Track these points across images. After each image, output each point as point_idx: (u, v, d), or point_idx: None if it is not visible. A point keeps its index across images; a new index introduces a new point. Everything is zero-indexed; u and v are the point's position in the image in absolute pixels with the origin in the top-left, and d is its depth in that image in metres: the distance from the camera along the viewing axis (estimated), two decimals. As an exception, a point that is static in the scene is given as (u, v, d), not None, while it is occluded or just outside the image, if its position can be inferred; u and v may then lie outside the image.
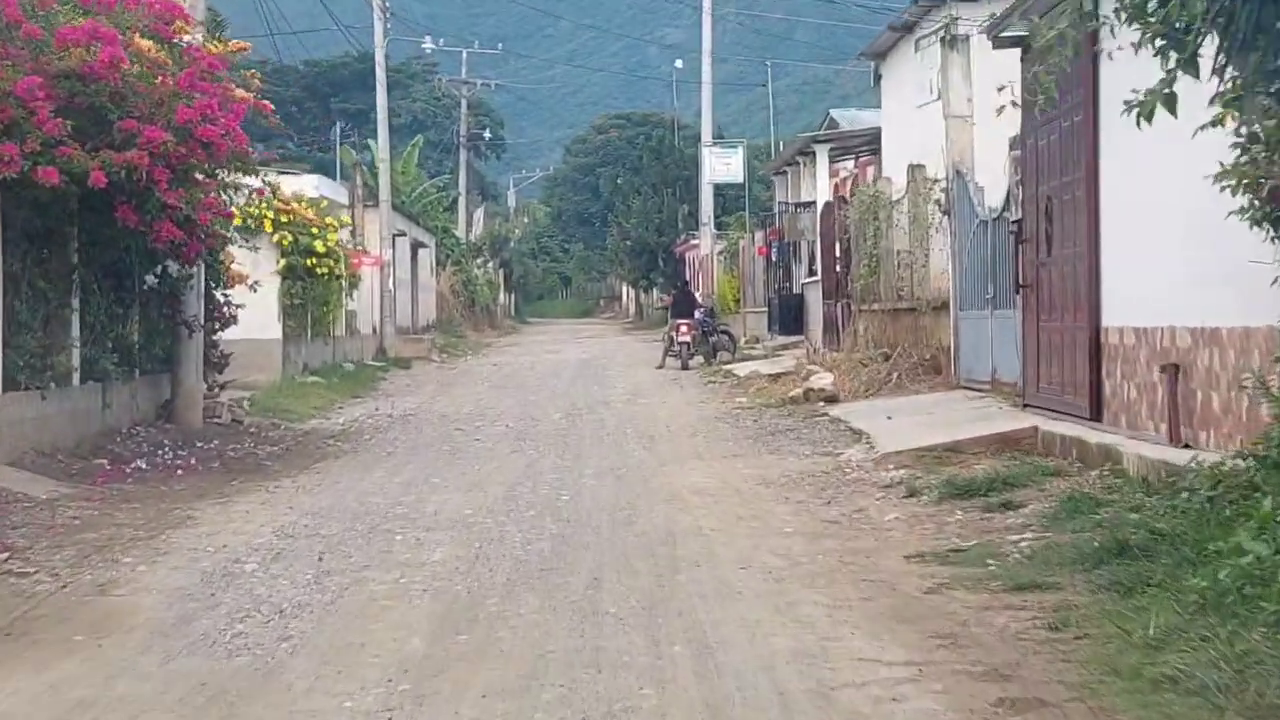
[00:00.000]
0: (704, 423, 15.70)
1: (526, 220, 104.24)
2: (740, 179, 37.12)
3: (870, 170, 30.14)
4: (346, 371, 25.20)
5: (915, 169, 17.99)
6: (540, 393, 21.54)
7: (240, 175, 13.42)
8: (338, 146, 54.34)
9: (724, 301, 36.81)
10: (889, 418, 13.61)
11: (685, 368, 26.31)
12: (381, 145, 33.93)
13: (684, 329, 26.61)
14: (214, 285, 16.34)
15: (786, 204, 27.29)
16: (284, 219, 21.81)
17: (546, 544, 8.25)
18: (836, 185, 27.38)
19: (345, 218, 23.79)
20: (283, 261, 21.93)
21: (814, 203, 25.24)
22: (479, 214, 69.90)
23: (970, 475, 9.80)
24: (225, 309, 16.68)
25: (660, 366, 26.91)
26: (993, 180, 15.56)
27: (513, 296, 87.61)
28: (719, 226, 47.12)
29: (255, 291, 17.48)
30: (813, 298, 25.89)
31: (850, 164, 30.27)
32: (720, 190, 51.17)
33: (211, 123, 11.67)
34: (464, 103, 53.18)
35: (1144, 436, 9.95)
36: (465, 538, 8.56)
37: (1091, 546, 7.15)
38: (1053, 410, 11.90)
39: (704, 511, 9.33)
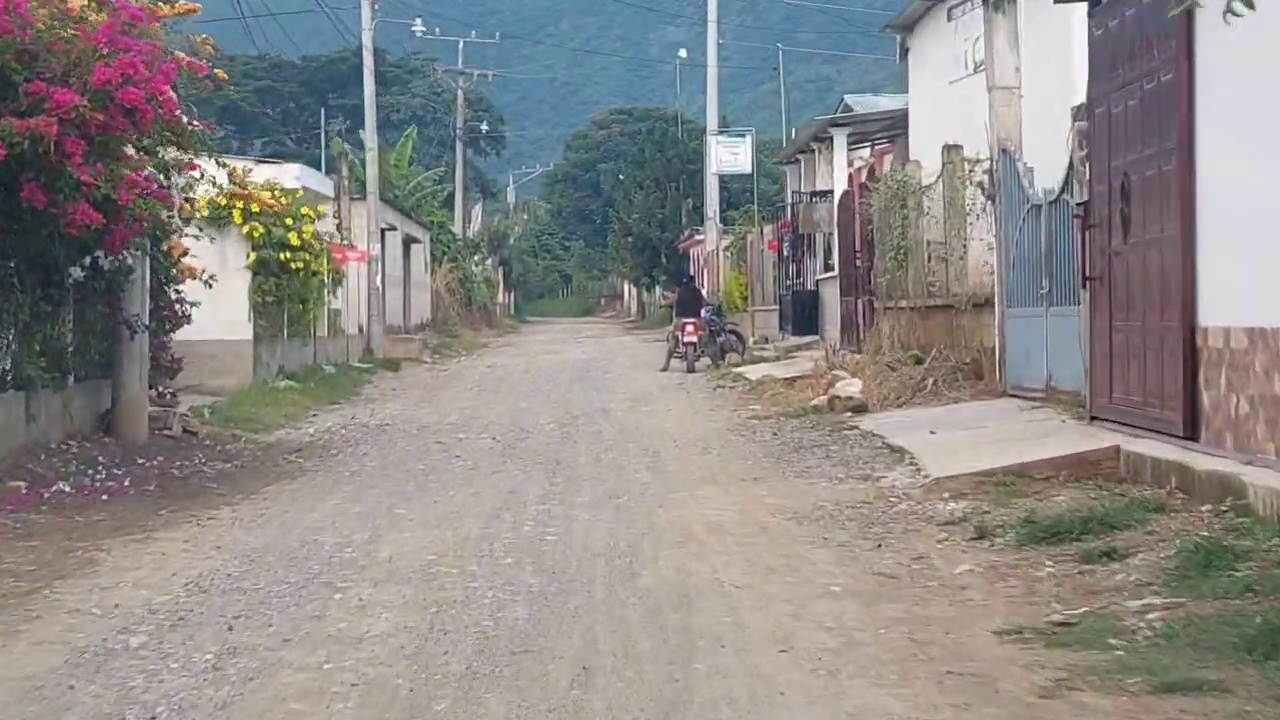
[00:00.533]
0: (716, 436, 13.84)
1: (526, 217, 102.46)
2: (748, 169, 35.25)
3: (887, 159, 28.29)
4: (326, 375, 23.35)
5: (951, 149, 16.14)
6: (534, 399, 19.70)
7: (180, 151, 11.59)
8: (323, 135, 52.56)
9: (731, 299, 34.96)
10: (932, 432, 11.76)
11: (691, 370, 24.47)
12: (369, 133, 32.09)
13: (690, 329, 24.76)
14: (164, 280, 14.50)
15: (800, 194, 25.42)
16: (255, 209, 19.97)
17: (523, 609, 6.39)
18: (851, 176, 25.53)
19: (323, 208, 21.97)
20: (253, 255, 20.09)
21: (831, 192, 23.40)
22: (477, 210, 68.10)
23: (1053, 511, 7.94)
24: (177, 307, 14.83)
25: (664, 369, 25.07)
26: (1041, 161, 13.71)
27: (512, 295, 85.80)
28: (724, 221, 45.35)
29: (210, 287, 15.62)
30: (829, 294, 24.05)
31: (865, 153, 28.44)
32: (726, 184, 49.42)
33: (135, 85, 9.82)
34: (460, 94, 51.38)
35: (1262, 461, 8.09)
36: (421, 597, 6.70)
37: (1253, 624, 5.31)
38: (1131, 425, 10.04)
39: (724, 558, 7.47)
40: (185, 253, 14.48)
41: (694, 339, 24.72)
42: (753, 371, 21.79)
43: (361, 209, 30.80)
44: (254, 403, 18.30)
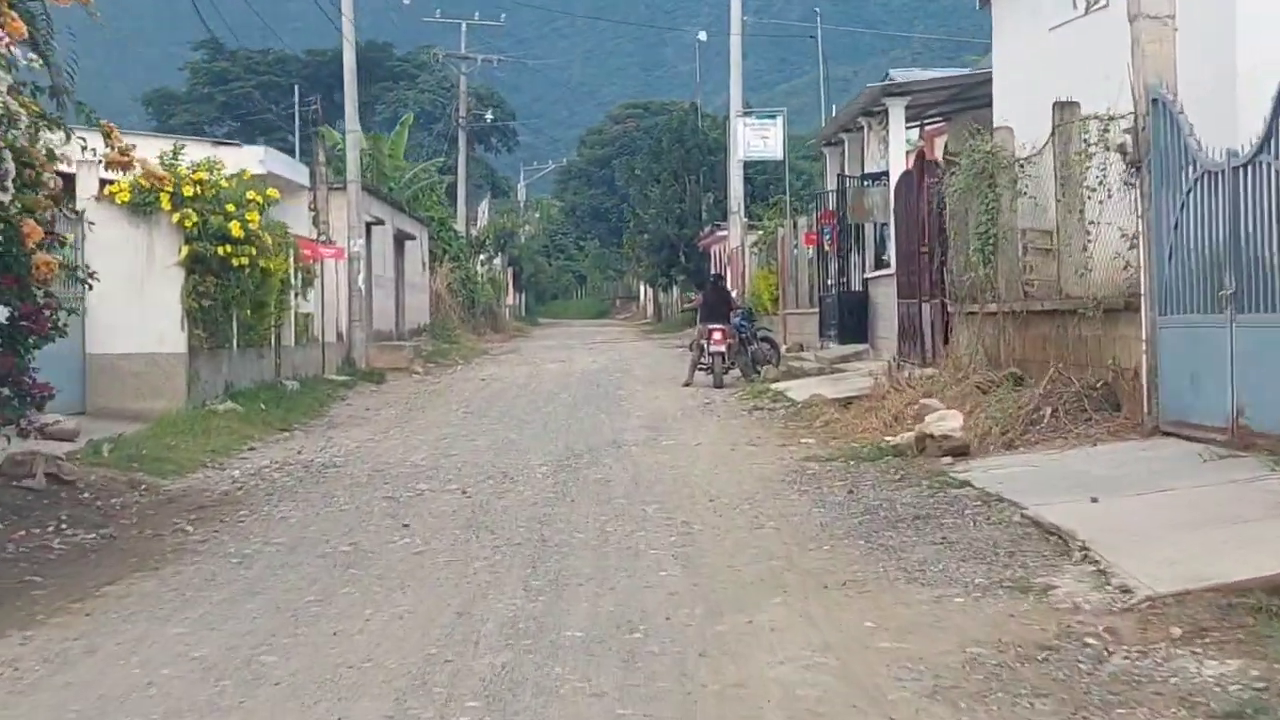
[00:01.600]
0: (766, 491, 10.10)
1: (538, 215, 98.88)
2: (779, 155, 31.51)
3: (939, 141, 24.54)
4: (286, 392, 19.69)
5: (1065, 107, 12.42)
6: (529, 425, 16.01)
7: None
8: (298, 120, 48.98)
9: (759, 301, 31.26)
10: (1094, 499, 8.04)
11: (719, 385, 20.78)
12: (349, 114, 28.42)
13: (717, 337, 21.06)
14: (21, 278, 10.83)
15: (848, 177, 21.68)
16: (188, 193, 16.33)
17: None
18: (920, 153, 21.74)
19: (273, 190, 18.34)
20: (185, 249, 16.45)
21: (885, 174, 19.67)
22: (483, 206, 64.53)
23: None
24: (46, 315, 11.15)
25: (687, 383, 21.39)
26: (1196, 118, 10.01)
27: (522, 296, 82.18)
28: (748, 216, 41.79)
29: (90, 287, 11.99)
30: (882, 295, 20.35)
31: (914, 135, 24.69)
32: (750, 176, 45.78)
33: None
34: (462, 80, 47.74)
35: None
36: None
37: None
38: None
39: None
40: (47, 240, 10.77)
41: (722, 349, 21.03)
42: (795, 389, 18.06)
43: (342, 200, 27.16)
44: (179, 433, 14.67)
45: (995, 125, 14.80)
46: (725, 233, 42.01)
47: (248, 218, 16.82)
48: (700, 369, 21.64)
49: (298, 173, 25.71)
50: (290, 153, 35.41)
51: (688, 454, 12.70)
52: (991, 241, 14.12)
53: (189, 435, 14.65)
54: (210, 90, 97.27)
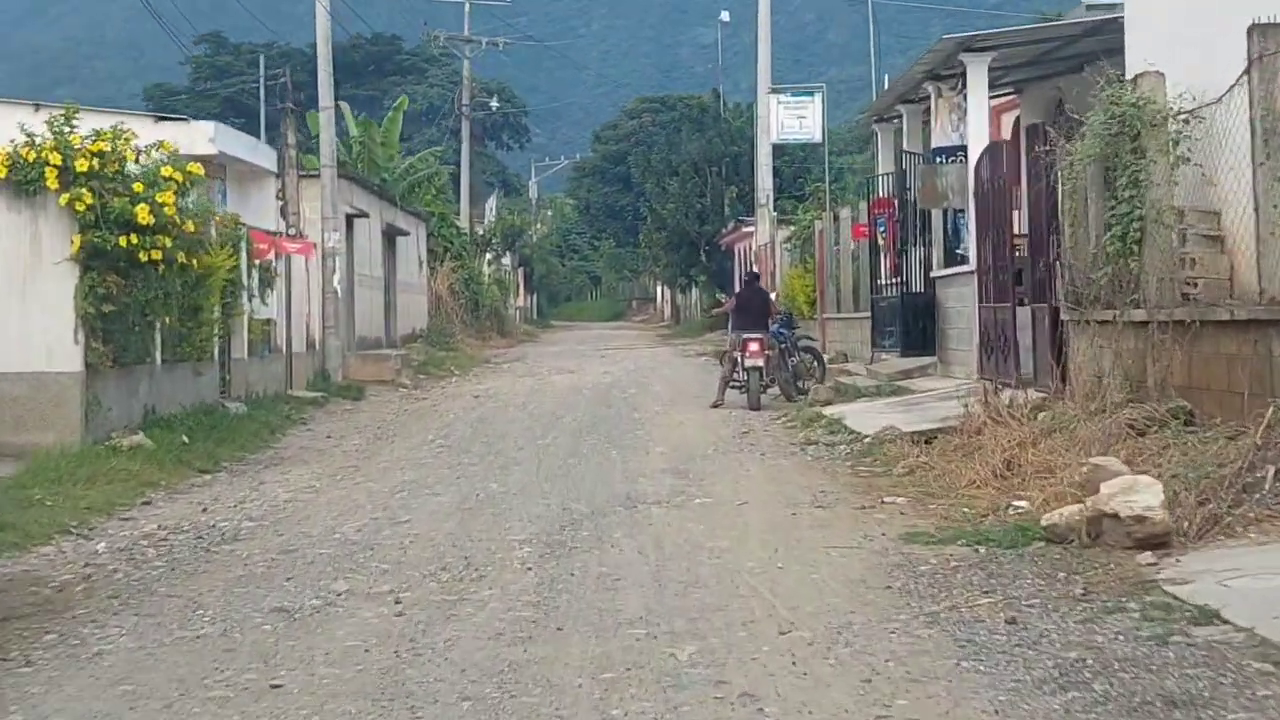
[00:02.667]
0: (864, 609, 6.37)
1: (551, 213, 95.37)
2: (817, 137, 27.84)
3: (1007, 119, 20.83)
4: (229, 418, 16.10)
5: (1269, 31, 8.74)
6: (517, 467, 12.37)
7: None
8: (261, 101, 45.48)
9: (793, 304, 27.61)
10: None
11: (756, 407, 17.14)
12: (322, 84, 24.86)
13: (754, 348, 17.40)
14: None
15: (910, 153, 17.98)
16: (81, 167, 12.75)
17: None
18: (1020, 125, 18.09)
19: (196, 166, 14.77)
20: (79, 239, 12.87)
21: (962, 150, 15.99)
22: (491, 202, 60.97)
23: None
24: None
25: (717, 404, 17.75)
26: None
27: (534, 298, 78.63)
28: (776, 210, 38.20)
29: None
30: (954, 297, 16.67)
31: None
32: (776, 166, 42.25)
33: None
34: (466, 64, 44.09)
35: None
36: None
37: None
38: None
39: None
40: None
41: (760, 362, 17.37)
42: (853, 415, 14.38)
43: (315, 189, 23.57)
44: (55, 480, 11.14)
45: (1133, 74, 11.09)
46: (751, 228, 38.36)
47: (159, 199, 13.21)
48: (733, 386, 18.00)
49: (261, 155, 22.09)
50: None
51: (731, 522, 9.03)
52: (1136, 226, 10.43)
53: (67, 484, 11.10)
54: (212, 85, 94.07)
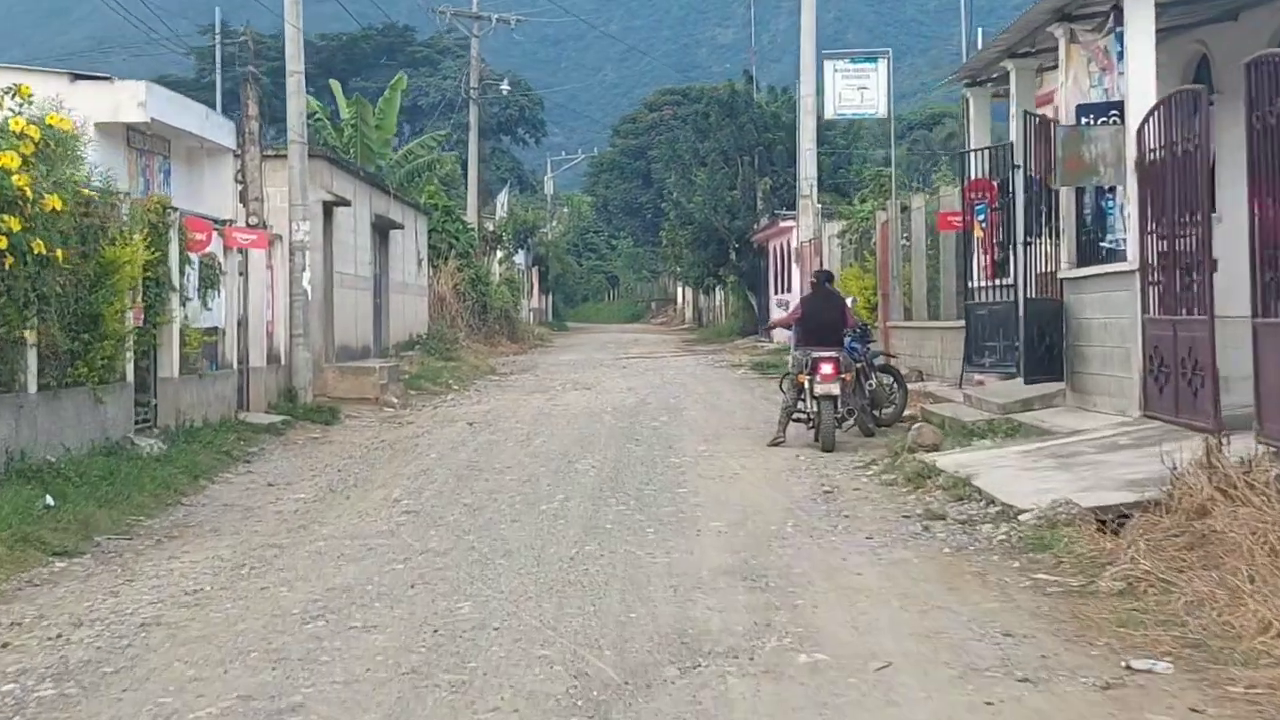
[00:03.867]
0: None
1: (567, 210, 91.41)
2: (882, 110, 23.75)
3: (1061, 108, 16.66)
4: (128, 461, 12.12)
5: None
6: (505, 562, 8.30)
7: None
8: (218, 47, 41.79)
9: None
10: None
11: (830, 448, 13.13)
12: (290, 48, 20.83)
13: (827, 370, 13.34)
14: None
15: (1032, 118, 13.87)
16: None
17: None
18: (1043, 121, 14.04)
19: (62, 120, 10.82)
20: (-124, 220, 8.90)
21: (1114, 108, 11.91)
22: (502, 197, 57.07)
23: None
24: None
25: (778, 441, 13.72)
26: None
27: (549, 299, 74.65)
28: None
29: None
30: (1094, 305, 12.60)
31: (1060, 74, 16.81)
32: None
33: None
34: (474, 43, 40.09)
35: None
36: None
37: None
38: None
39: None
40: None
41: (835, 390, 13.31)
42: (982, 469, 10.29)
43: (282, 171, 19.59)
44: None
45: None
46: (790, 223, 34.35)
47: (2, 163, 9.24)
48: (797, 417, 13.97)
49: (214, 128, 18.16)
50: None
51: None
52: None
53: None
54: (217, 77, 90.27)
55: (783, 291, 36.48)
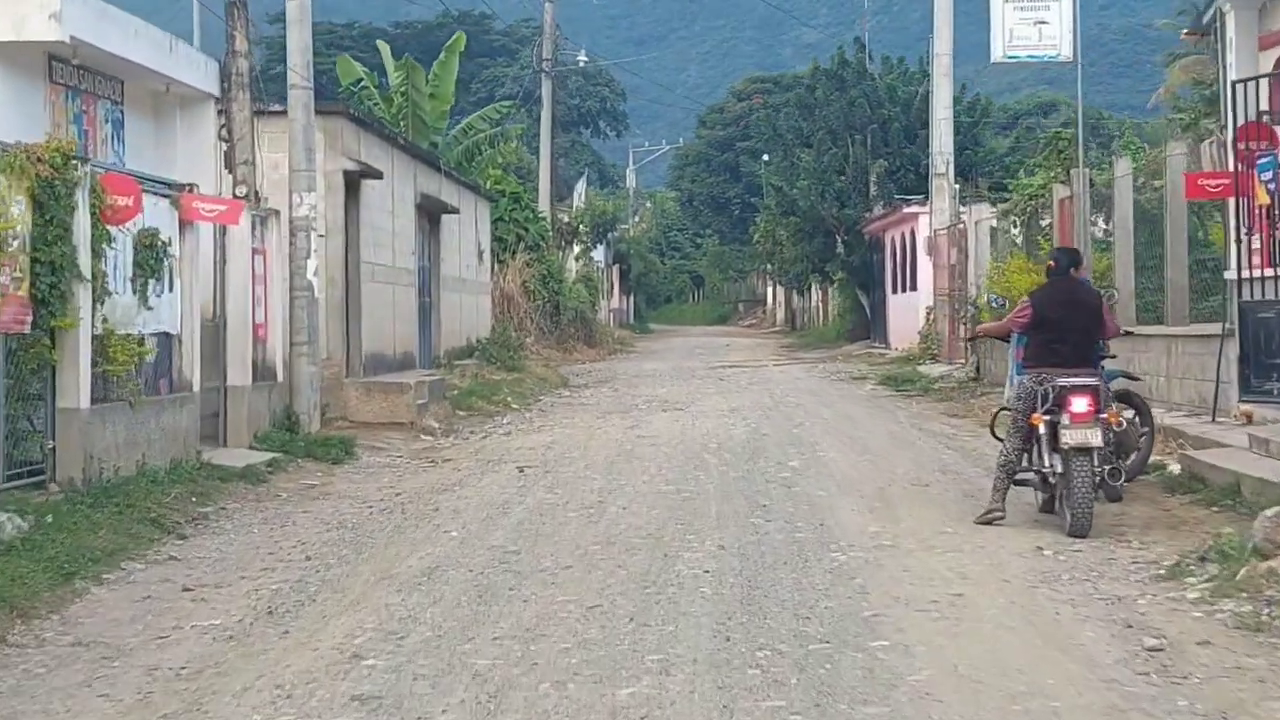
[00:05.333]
0: None
1: (650, 205, 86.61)
2: (1066, 52, 18.45)
3: (1268, 56, 11.44)
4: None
5: None
6: None
7: None
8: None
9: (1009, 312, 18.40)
10: None
11: (1082, 532, 8.12)
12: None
13: (1082, 404, 8.30)
14: None
15: None
16: None
17: None
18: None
19: None
20: None
21: None
22: (580, 187, 52.38)
23: None
24: None
25: (993, 516, 8.67)
26: None
27: (631, 299, 69.88)
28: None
29: None
30: None
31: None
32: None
33: None
34: (548, 9, 35.42)
35: None
36: None
37: None
38: None
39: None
40: None
41: (1095, 437, 8.25)
42: None
43: (283, 130, 14.83)
44: None
45: None
46: (917, 208, 29.21)
47: None
48: (1021, 480, 8.91)
49: (185, 65, 13.54)
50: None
51: None
52: None
53: None
54: (284, 68, 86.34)
55: (904, 289, 31.30)
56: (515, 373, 23.57)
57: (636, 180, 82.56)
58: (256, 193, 14.31)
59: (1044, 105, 70.95)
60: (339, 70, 27.88)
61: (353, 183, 17.23)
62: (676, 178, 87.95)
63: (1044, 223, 18.22)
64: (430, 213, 22.42)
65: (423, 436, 15.98)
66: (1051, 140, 19.74)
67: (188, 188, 11.99)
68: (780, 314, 69.39)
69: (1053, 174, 18.23)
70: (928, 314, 27.71)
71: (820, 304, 53.98)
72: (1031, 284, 18.34)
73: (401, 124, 26.55)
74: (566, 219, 41.18)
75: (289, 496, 11.33)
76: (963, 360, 23.31)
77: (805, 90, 37.34)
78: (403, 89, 26.63)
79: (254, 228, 13.80)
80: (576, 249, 43.33)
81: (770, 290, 73.71)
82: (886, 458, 12.39)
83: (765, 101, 77.18)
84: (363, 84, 27.51)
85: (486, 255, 28.13)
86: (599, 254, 51.58)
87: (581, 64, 46.90)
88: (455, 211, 23.42)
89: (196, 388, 12.00)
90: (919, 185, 33.61)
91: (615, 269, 61.65)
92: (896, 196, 32.17)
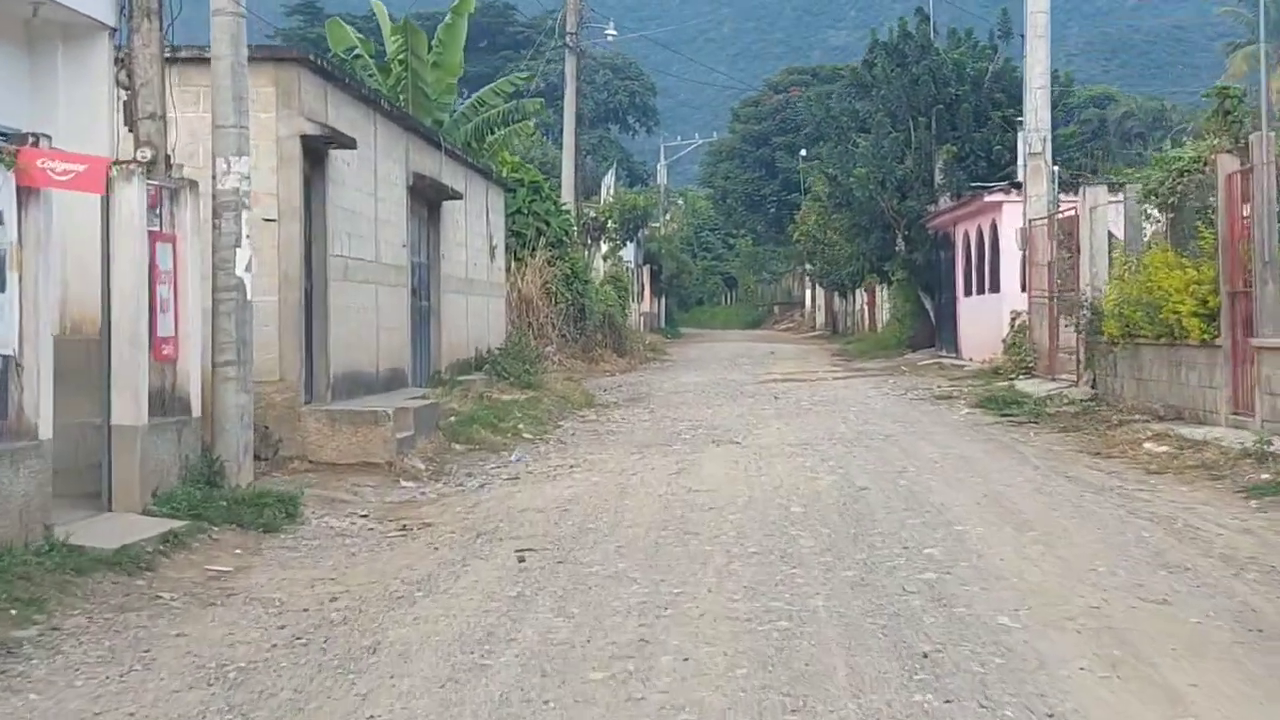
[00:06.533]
0: None
1: (682, 201, 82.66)
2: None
3: None
4: None
5: None
6: None
7: None
8: None
9: (1172, 320, 14.54)
10: None
11: None
12: None
13: None
14: None
15: None
16: None
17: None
18: None
19: None
20: None
21: None
22: (608, 179, 48.57)
23: None
24: None
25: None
26: None
27: (662, 302, 65.93)
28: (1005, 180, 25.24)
29: None
30: None
31: None
32: (998, 118, 29.59)
33: None
34: (570, -25, 31.72)
35: None
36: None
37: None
38: None
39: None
40: None
41: None
42: None
43: (207, 81, 10.94)
44: None
45: None
46: (999, 197, 25.19)
47: None
48: None
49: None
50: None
51: None
52: None
53: None
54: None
55: (980, 291, 27.26)
56: (531, 390, 19.65)
57: (667, 177, 78.52)
58: (168, 158, 10.44)
59: (1098, 98, 66.84)
60: (329, 36, 24.02)
61: (316, 153, 13.34)
62: (709, 174, 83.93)
63: (1209, 204, 14.14)
64: (428, 198, 18.53)
65: (403, 483, 12.15)
66: (1217, 95, 15.59)
67: (31, 140, 8.13)
68: (820, 317, 65.32)
69: (1213, 143, 14.14)
70: (1013, 319, 23.70)
71: (866, 307, 49.89)
72: (1185, 282, 14.37)
73: (401, 99, 22.71)
74: (592, 213, 37.29)
75: (172, 600, 7.47)
76: (1071, 375, 19.29)
77: (862, 67, 33.23)
78: (401, 56, 22.77)
79: (160, 204, 9.94)
80: (604, 246, 39.46)
81: (809, 292, 69.69)
82: (1063, 539, 8.39)
83: (803, 94, 73.24)
84: (357, 53, 23.66)
85: (500, 251, 24.24)
86: (629, 253, 47.72)
87: (610, 38, 42.86)
88: (458, 197, 19.51)
89: (46, 433, 8.11)
90: (990, 173, 29.57)
91: (646, 269, 57.76)
92: (973, 184, 28.11)
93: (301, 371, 12.77)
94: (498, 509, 10.29)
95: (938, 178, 30.96)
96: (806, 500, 10.09)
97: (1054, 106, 31.36)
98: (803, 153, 68.75)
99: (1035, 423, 16.03)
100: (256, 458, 11.88)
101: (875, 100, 31.84)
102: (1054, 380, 19.86)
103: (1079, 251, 18.60)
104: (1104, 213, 18.23)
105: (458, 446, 14.29)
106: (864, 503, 9.94)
